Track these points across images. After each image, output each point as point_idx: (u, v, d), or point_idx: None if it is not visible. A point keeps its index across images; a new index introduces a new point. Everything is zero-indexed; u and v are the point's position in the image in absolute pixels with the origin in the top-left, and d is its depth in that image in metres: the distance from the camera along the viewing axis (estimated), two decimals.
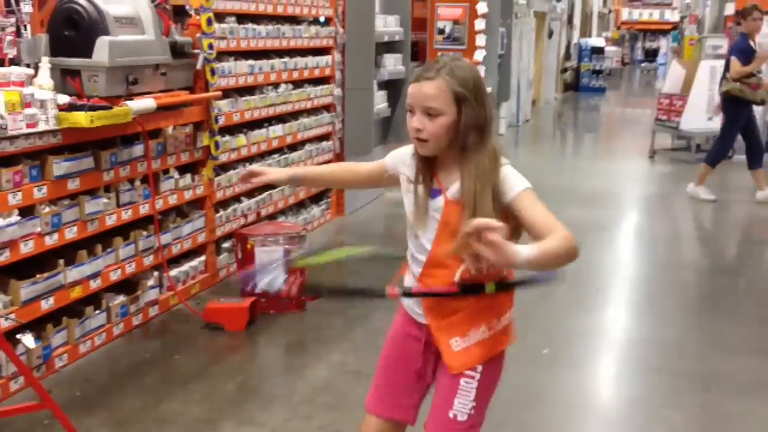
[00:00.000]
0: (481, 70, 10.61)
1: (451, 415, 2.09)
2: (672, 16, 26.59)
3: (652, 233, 7.09)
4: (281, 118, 5.67)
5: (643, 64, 30.64)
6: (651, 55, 31.13)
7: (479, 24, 10.58)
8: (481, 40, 10.63)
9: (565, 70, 19.53)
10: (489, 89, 10.71)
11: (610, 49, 22.64)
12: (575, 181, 9.11)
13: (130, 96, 3.97)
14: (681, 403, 3.59)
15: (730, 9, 10.42)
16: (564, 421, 3.45)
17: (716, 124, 10.25)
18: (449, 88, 1.97)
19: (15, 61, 3.67)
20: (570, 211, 7.06)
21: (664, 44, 29.42)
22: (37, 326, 3.52)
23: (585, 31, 22.59)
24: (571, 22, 19.98)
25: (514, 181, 2.01)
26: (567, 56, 19.68)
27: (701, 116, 10.26)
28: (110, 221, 3.89)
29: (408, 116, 2.03)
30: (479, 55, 10.64)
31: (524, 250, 1.83)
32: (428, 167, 2.07)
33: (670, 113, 10.67)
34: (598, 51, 20.24)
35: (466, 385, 2.09)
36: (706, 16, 11.50)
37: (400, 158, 2.18)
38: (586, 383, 3.90)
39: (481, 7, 10.55)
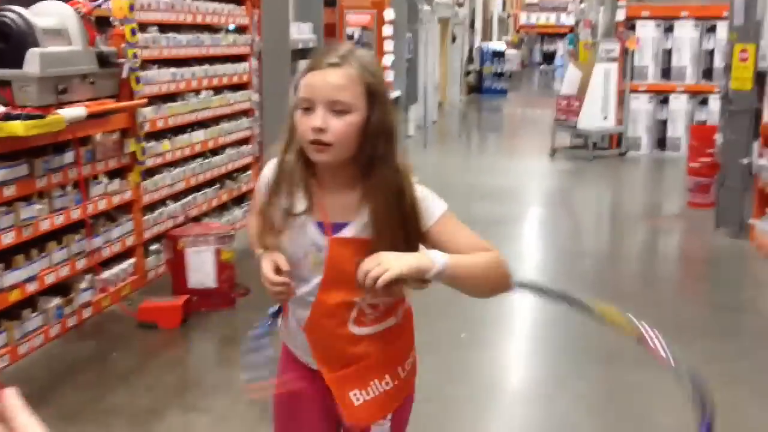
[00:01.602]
0: (390, 75, 10.99)
1: None
2: (568, 20, 27.73)
3: (554, 225, 7.59)
4: (203, 124, 5.84)
5: (541, 67, 31.80)
6: (549, 57, 32.32)
7: (387, 30, 10.96)
8: (389, 45, 11.00)
9: (468, 73, 20.17)
10: (398, 92, 11.11)
11: (510, 52, 23.44)
12: (481, 178, 9.57)
13: (60, 105, 4.10)
14: (585, 375, 3.99)
15: (621, 15, 11.11)
16: (483, 396, 3.79)
17: (610, 122, 10.95)
18: (360, 79, 1.61)
19: None
20: (477, 207, 7.48)
21: (561, 47, 30.62)
22: None
23: (486, 35, 23.36)
24: (473, 26, 20.66)
25: (432, 204, 1.70)
26: (470, 60, 20.34)
27: (597, 116, 10.92)
28: (44, 226, 4.00)
29: (298, 115, 1.63)
30: (388, 60, 11.01)
31: (435, 254, 1.61)
32: (309, 194, 1.68)
33: (568, 113, 11.29)
34: (499, 54, 20.97)
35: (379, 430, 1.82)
36: (599, 21, 12.19)
37: (264, 183, 1.77)
38: (499, 361, 4.26)
39: (389, 14, 10.93)
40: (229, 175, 6.27)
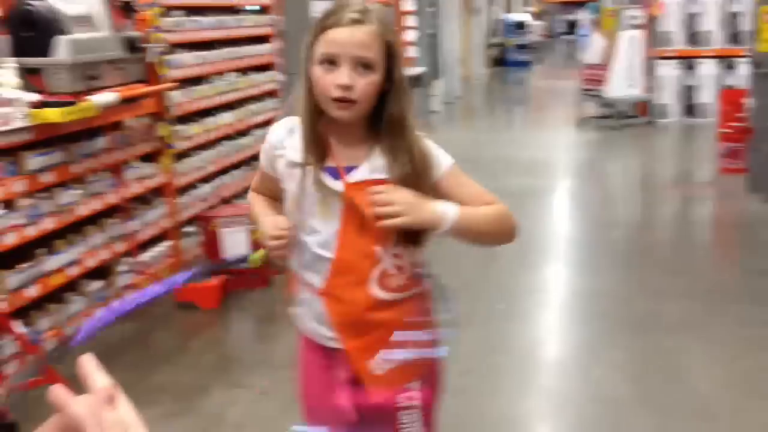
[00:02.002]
0: (414, 51, 10.95)
1: None
2: None
3: (584, 196, 7.56)
4: (230, 106, 5.88)
5: (564, 37, 31.44)
6: (572, 27, 31.94)
7: (408, 4, 10.89)
8: (411, 20, 10.94)
9: (491, 46, 20.02)
10: (422, 68, 11.05)
11: (533, 23, 23.21)
12: (509, 151, 9.53)
13: (90, 91, 4.15)
14: (621, 344, 4.00)
15: None
16: (521, 367, 3.81)
17: (637, 90, 10.83)
18: (382, 37, 1.61)
19: None
20: (506, 180, 7.46)
21: (583, 16, 30.22)
22: (24, 314, 3.70)
23: (508, 7, 23.13)
24: None
25: (439, 157, 1.72)
26: (493, 33, 20.17)
27: (624, 84, 10.81)
28: (82, 211, 4.07)
29: (318, 70, 1.61)
30: (410, 36, 10.96)
31: (447, 207, 1.62)
32: (320, 142, 1.68)
33: (594, 83, 11.19)
34: (521, 26, 20.77)
35: (409, 417, 1.75)
36: None
37: (270, 149, 1.77)
38: (537, 332, 4.28)
39: None
40: (258, 156, 6.32)
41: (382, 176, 1.66)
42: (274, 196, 1.82)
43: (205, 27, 5.49)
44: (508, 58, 20.74)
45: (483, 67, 18.61)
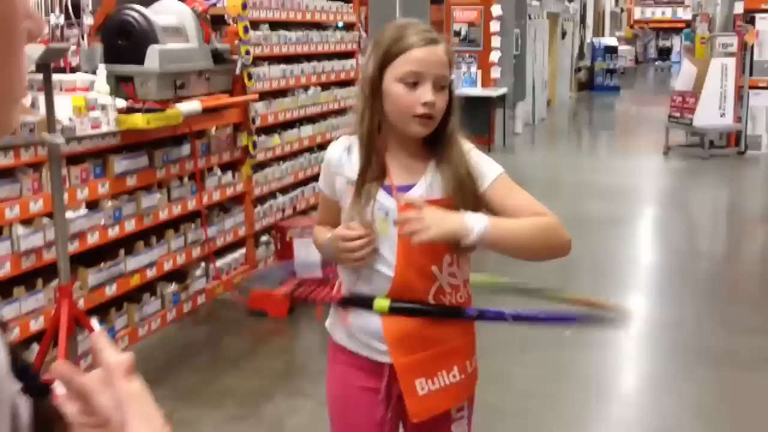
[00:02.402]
0: (497, 71, 10.92)
1: None
2: (684, 14, 26.75)
3: (668, 225, 7.36)
4: (311, 119, 5.98)
5: (657, 63, 30.80)
6: (664, 53, 31.28)
7: (494, 26, 10.89)
8: (496, 41, 10.93)
9: (579, 70, 19.78)
10: (504, 89, 10.99)
11: (623, 48, 22.83)
12: (592, 177, 9.37)
13: (177, 99, 4.30)
14: (695, 378, 3.87)
15: (739, 8, 10.66)
16: (586, 394, 3.74)
17: (728, 120, 10.51)
18: (451, 56, 1.70)
19: (75, 69, 4.01)
20: (588, 206, 7.36)
21: (677, 42, 29.58)
22: (101, 311, 3.85)
23: (598, 31, 22.82)
24: (583, 22, 20.23)
25: (488, 167, 1.72)
26: (581, 56, 19.94)
27: (714, 113, 10.50)
28: (163, 215, 4.21)
29: (398, 87, 1.64)
30: (495, 56, 10.94)
31: (476, 220, 1.60)
32: (379, 161, 1.70)
33: (683, 110, 10.91)
34: (611, 50, 20.46)
35: (459, 429, 1.81)
36: (716, 14, 11.72)
37: (329, 169, 1.79)
38: (606, 361, 4.18)
39: (496, 10, 10.86)
40: None
41: (437, 193, 1.69)
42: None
43: (291, 41, 5.61)
44: (595, 82, 20.44)
45: (569, 90, 18.39)
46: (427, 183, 1.69)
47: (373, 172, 1.69)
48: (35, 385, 0.70)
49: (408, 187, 1.70)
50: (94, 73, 4.03)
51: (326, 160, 1.80)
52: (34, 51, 2.81)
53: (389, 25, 1.74)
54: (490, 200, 1.70)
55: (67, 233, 3.10)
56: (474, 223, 1.60)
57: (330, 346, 1.86)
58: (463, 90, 10.74)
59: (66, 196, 3.53)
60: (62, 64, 3.90)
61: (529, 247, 1.68)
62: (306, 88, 5.88)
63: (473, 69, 10.98)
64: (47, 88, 2.91)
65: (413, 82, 1.63)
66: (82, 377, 0.73)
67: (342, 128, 6.45)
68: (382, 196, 1.70)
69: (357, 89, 1.80)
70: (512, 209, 1.67)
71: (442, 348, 1.72)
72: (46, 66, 2.86)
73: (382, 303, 1.70)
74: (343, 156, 1.75)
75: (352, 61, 6.61)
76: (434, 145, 1.71)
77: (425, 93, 1.62)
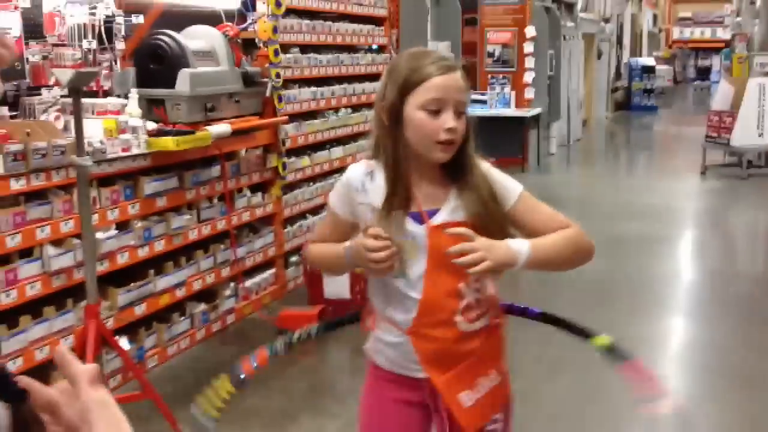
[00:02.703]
0: (531, 92, 10.89)
1: None
2: (724, 33, 26.44)
3: (706, 246, 7.25)
4: (341, 141, 6.02)
5: (695, 83, 30.45)
6: (703, 73, 30.92)
7: (528, 47, 10.88)
8: (530, 62, 10.91)
9: (616, 90, 19.64)
10: (538, 109, 10.96)
11: (661, 68, 22.64)
12: (628, 197, 9.27)
13: (208, 122, 4.36)
14: (730, 401, 3.80)
15: None
16: (616, 417, 3.67)
17: (767, 140, 10.33)
18: (465, 81, 1.74)
19: (107, 93, 4.10)
20: (625, 226, 7.29)
21: (716, 62, 29.24)
22: (130, 331, 3.90)
23: (635, 51, 22.66)
24: (620, 42, 20.11)
25: (509, 185, 1.77)
26: (617, 76, 19.80)
27: (752, 132, 10.34)
28: (192, 236, 4.26)
29: (425, 115, 1.67)
30: (529, 77, 10.92)
31: (520, 245, 1.67)
32: (403, 187, 1.71)
33: (720, 130, 10.76)
34: (649, 70, 20.29)
35: None
36: (755, 34, 11.57)
37: (349, 191, 1.79)
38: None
39: (530, 31, 10.85)
40: None
41: (461, 216, 1.72)
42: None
43: (321, 64, 5.67)
44: (633, 102, 20.27)
45: (606, 110, 18.26)
46: (451, 208, 1.73)
47: (399, 199, 1.71)
48: (13, 391, 0.71)
49: (432, 213, 1.73)
50: (126, 96, 4.11)
51: (346, 181, 1.80)
52: (64, 75, 2.87)
53: (404, 54, 1.79)
54: (515, 218, 1.75)
55: (96, 253, 3.15)
56: (519, 248, 1.67)
57: (368, 366, 1.90)
58: (497, 111, 10.74)
59: (96, 217, 3.60)
60: (94, 88, 3.98)
61: (563, 261, 1.76)
62: (336, 109, 5.93)
63: (507, 89, 10.96)
64: (77, 111, 2.97)
65: (435, 109, 1.67)
66: (49, 390, 0.74)
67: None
68: (409, 223, 1.72)
69: (373, 117, 1.82)
70: (540, 224, 1.73)
71: (475, 358, 1.76)
72: (77, 90, 2.92)
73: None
74: (366, 180, 1.76)
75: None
76: (454, 169, 1.74)
77: (447, 119, 1.66)
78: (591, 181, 10.90)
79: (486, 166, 1.77)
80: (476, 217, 1.70)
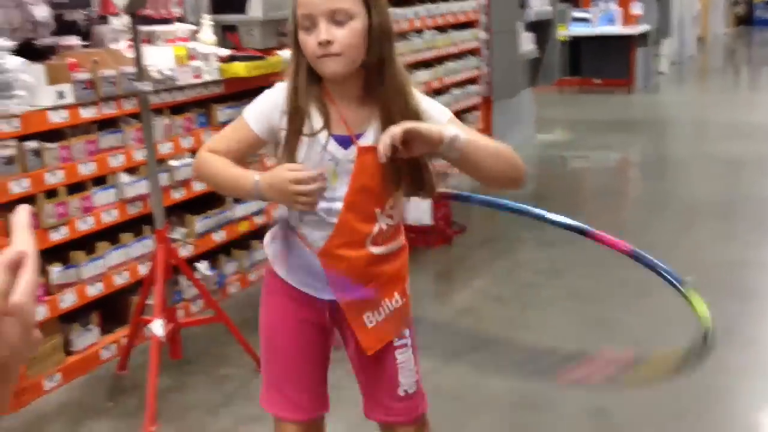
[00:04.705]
0: (638, 6, 10.28)
1: (401, 392, 1.84)
2: None
3: None
4: (428, 64, 5.85)
5: None
6: None
7: None
8: None
9: (736, 3, 18.35)
10: (647, 26, 10.35)
11: None
12: (744, 116, 8.67)
13: (282, 47, 4.29)
14: None
15: None
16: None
17: None
18: None
19: (180, 19, 4.09)
20: (737, 146, 6.90)
21: None
22: (211, 257, 3.95)
23: None
24: None
25: (437, 109, 1.71)
26: None
27: None
28: (270, 162, 4.24)
29: (302, 34, 1.61)
30: None
31: (449, 129, 1.59)
32: (323, 110, 1.66)
33: None
34: None
35: (403, 356, 1.83)
36: None
37: (269, 110, 1.71)
38: (733, 309, 3.86)
39: None
40: (456, 116, 6.25)
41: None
42: (240, 162, 1.74)
43: None
44: (755, 16, 18.90)
45: (724, 26, 17.10)
46: (376, 130, 1.65)
47: (321, 122, 1.65)
48: None
49: (358, 136, 1.67)
50: (198, 23, 4.10)
51: (274, 98, 1.71)
52: (118, 0, 2.85)
53: None
54: None
55: (159, 180, 3.16)
56: (448, 130, 1.60)
57: (268, 274, 1.85)
58: (601, 29, 10.21)
59: (171, 145, 3.63)
60: (165, 15, 3.98)
61: (491, 168, 1.65)
62: (420, 31, 5.75)
63: (612, 6, 10.39)
64: (135, 36, 2.95)
65: (308, 25, 1.60)
66: None
67: (461, 72, 6.28)
68: (332, 146, 1.66)
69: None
70: None
71: (381, 281, 1.75)
72: (133, 14, 2.89)
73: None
74: (281, 105, 1.69)
75: (472, 2, 6.40)
76: (376, 90, 1.65)
77: (319, 32, 1.58)
78: (705, 100, 10.27)
79: (414, 90, 1.69)
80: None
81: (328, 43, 1.58)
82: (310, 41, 1.60)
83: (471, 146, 1.61)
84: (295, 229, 1.75)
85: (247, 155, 1.76)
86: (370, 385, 1.87)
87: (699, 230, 4.86)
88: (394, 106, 1.64)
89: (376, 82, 1.65)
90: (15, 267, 0.67)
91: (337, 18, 1.58)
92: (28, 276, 0.68)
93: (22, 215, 0.72)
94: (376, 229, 1.72)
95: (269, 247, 1.84)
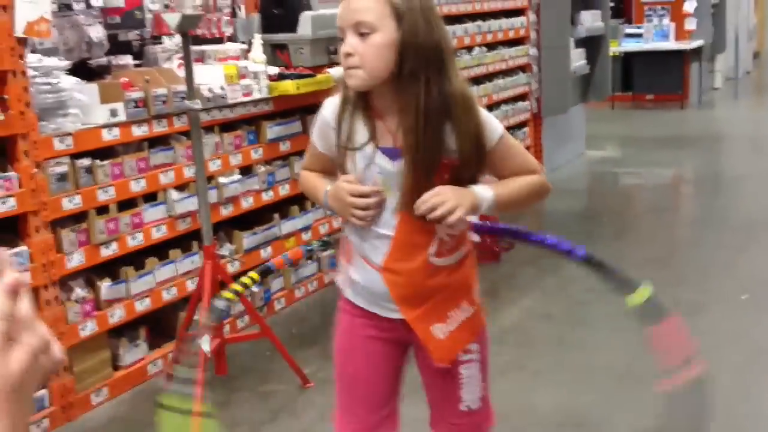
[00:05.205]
0: (693, 22, 10.12)
1: (463, 408, 1.84)
2: None
3: None
4: (477, 80, 5.83)
5: None
6: None
7: None
8: None
9: None
10: (700, 41, 10.14)
11: None
12: None
13: (331, 65, 4.32)
14: None
15: None
16: (756, 364, 3.36)
17: None
18: (386, 1, 1.59)
19: (231, 39, 4.14)
20: None
21: None
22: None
23: None
24: None
25: (493, 126, 1.70)
26: None
27: None
28: None
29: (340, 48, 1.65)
30: (690, 6, 10.14)
31: (484, 193, 1.66)
32: (368, 120, 1.66)
33: None
34: None
35: (468, 371, 1.82)
36: None
37: (323, 127, 1.74)
38: None
39: None
40: None
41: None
42: (329, 174, 1.81)
43: (454, 1, 5.48)
44: None
45: None
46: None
47: (367, 135, 1.66)
48: None
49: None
50: (250, 42, 4.15)
51: (321, 117, 1.75)
52: (172, 19, 2.90)
53: None
54: (493, 157, 1.71)
55: (208, 197, 3.20)
56: (483, 196, 1.67)
57: (341, 299, 1.86)
58: (654, 44, 10.07)
59: (220, 162, 3.67)
60: (216, 34, 4.04)
61: (520, 206, 1.79)
62: (470, 48, 5.73)
63: (665, 21, 10.24)
64: (186, 55, 3.00)
65: (341, 38, 1.63)
66: None
67: (511, 88, 6.24)
68: (380, 158, 1.67)
69: None
70: (511, 168, 1.73)
71: (446, 292, 1.75)
72: (184, 34, 2.94)
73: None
74: (335, 115, 1.72)
75: (522, 19, 6.37)
76: (420, 102, 1.63)
77: (344, 45, 1.61)
78: (761, 116, 10.02)
79: (474, 105, 1.69)
80: (460, 153, 1.65)
81: (349, 55, 1.59)
82: (341, 54, 1.63)
83: (502, 200, 1.69)
84: (357, 249, 1.76)
85: (330, 170, 1.79)
86: (435, 399, 1.88)
87: (756, 249, 4.72)
88: (454, 120, 1.64)
89: (421, 95, 1.61)
90: (14, 293, 0.68)
91: (361, 30, 1.59)
92: (27, 302, 0.69)
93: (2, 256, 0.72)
94: (435, 240, 1.70)
95: (340, 273, 1.86)
